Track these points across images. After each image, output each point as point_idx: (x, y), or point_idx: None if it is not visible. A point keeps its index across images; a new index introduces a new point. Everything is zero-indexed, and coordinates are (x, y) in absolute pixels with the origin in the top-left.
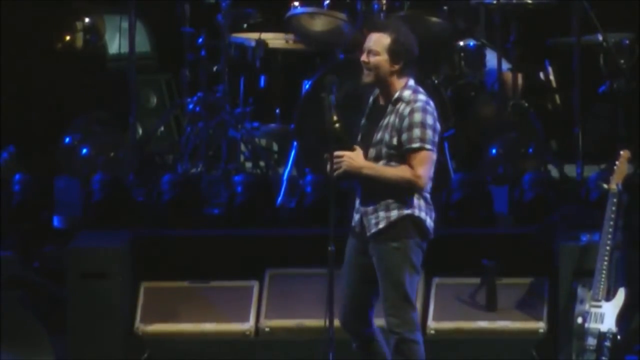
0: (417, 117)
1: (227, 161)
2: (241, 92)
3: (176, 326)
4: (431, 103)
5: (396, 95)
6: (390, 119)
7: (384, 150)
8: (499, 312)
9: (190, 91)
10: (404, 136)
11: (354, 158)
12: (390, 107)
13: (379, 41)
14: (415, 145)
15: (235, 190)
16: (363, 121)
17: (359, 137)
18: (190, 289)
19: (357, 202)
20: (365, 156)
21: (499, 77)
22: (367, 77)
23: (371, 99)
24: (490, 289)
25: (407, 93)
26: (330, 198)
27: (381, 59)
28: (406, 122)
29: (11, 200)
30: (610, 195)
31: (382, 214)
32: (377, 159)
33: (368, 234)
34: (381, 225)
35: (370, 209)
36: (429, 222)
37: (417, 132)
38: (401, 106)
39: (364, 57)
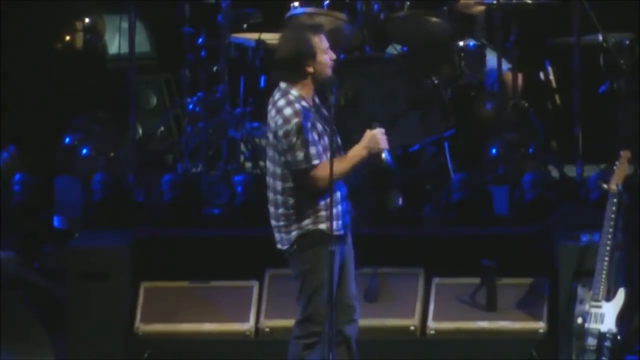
0: None
1: (227, 161)
2: (241, 92)
3: (176, 326)
4: None
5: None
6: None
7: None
8: (499, 312)
9: (190, 91)
10: None
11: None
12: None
13: None
14: None
15: (235, 190)
16: (323, 127)
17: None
18: (190, 289)
19: (343, 204)
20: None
21: (499, 77)
22: None
23: (312, 102)
24: (490, 289)
25: None
26: (330, 198)
27: None
28: None
29: (11, 200)
30: (610, 196)
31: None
32: None
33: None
34: None
35: (350, 207)
36: None
37: None
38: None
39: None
